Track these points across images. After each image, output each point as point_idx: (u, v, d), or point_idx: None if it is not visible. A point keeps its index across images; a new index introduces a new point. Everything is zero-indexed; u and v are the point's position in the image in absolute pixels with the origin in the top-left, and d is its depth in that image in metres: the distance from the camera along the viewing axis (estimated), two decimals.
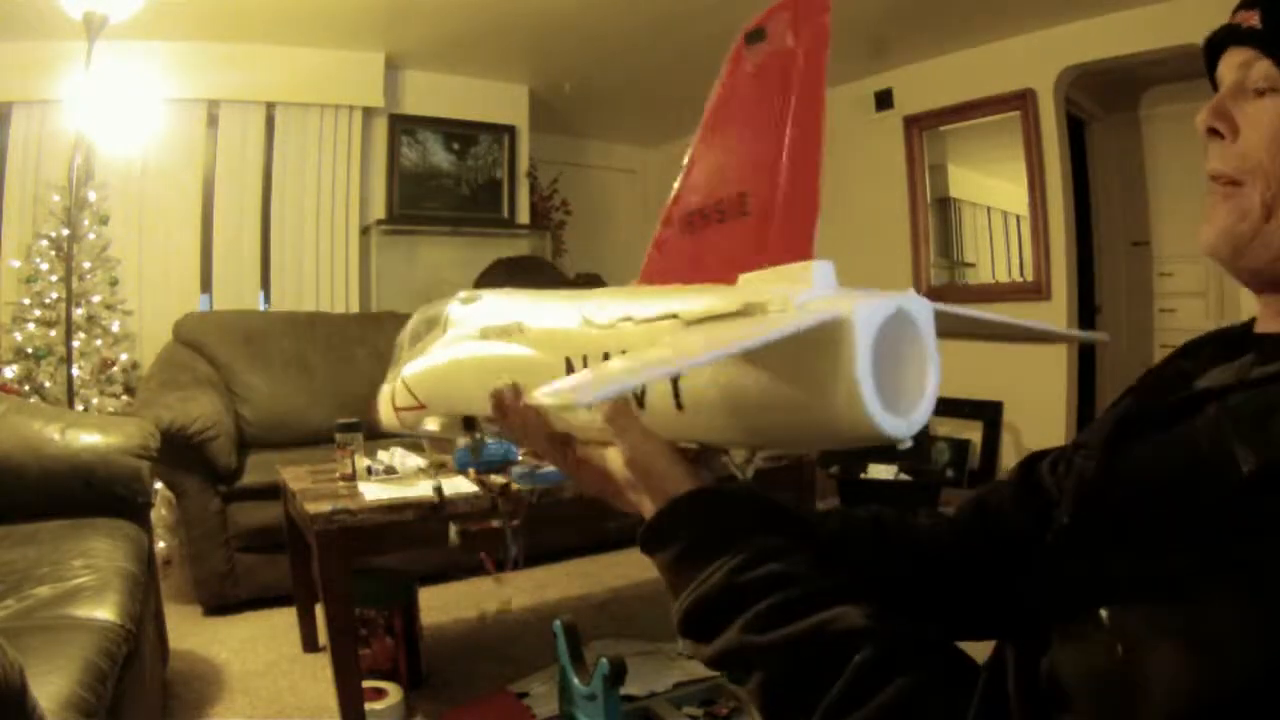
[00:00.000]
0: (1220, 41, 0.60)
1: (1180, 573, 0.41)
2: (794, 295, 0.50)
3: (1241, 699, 0.38)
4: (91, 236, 3.35)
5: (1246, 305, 0.64)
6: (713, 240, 0.59)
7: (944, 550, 0.70)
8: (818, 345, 0.48)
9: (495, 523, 1.86)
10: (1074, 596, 0.47)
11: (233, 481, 2.67)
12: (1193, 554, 0.42)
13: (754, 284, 0.54)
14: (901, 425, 0.50)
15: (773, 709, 0.52)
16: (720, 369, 0.53)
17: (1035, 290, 3.86)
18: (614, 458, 0.62)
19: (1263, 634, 0.39)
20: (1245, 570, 0.40)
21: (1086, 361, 4.11)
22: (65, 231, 3.22)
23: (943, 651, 0.52)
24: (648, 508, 0.60)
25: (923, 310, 0.52)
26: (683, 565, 0.57)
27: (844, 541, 0.70)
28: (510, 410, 0.62)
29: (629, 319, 0.58)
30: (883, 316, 0.49)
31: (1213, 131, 0.59)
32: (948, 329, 0.57)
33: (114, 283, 3.41)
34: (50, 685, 1.09)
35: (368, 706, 1.83)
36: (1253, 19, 0.58)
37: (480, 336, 0.68)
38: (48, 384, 3.15)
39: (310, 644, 2.33)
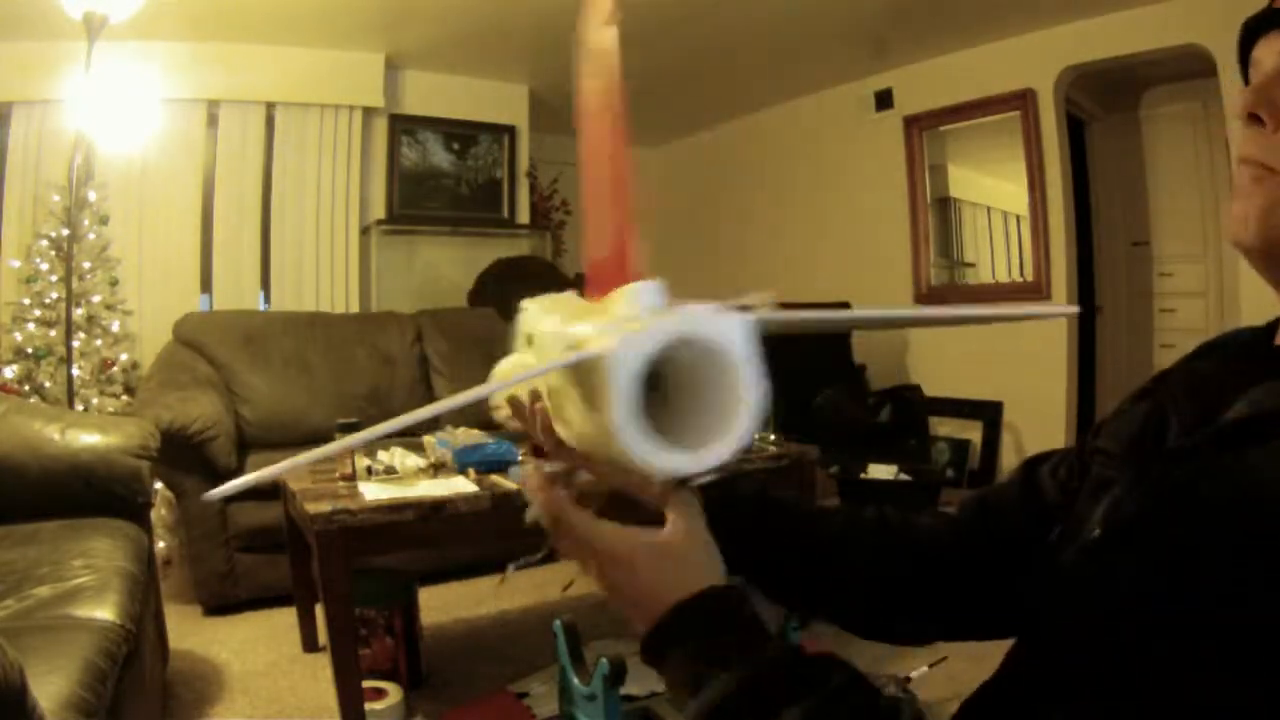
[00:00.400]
0: (1261, 24, 0.56)
1: (1255, 617, 0.39)
2: (590, 326, 0.47)
3: None
4: (91, 236, 3.35)
5: (1247, 305, 0.63)
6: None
7: (945, 550, 0.69)
8: (594, 381, 0.44)
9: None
10: (1111, 616, 0.45)
11: None
12: (1250, 593, 0.39)
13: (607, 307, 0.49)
14: (686, 461, 0.45)
15: None
16: (569, 398, 0.50)
17: (1035, 290, 3.86)
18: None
19: None
20: None
21: (1087, 362, 4.12)
22: (65, 231, 3.22)
23: None
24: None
25: (732, 333, 0.45)
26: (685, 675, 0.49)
27: (846, 542, 0.69)
28: (526, 414, 0.59)
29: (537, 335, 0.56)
30: (651, 349, 0.43)
31: (1254, 117, 0.54)
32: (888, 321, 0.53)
33: (114, 283, 3.41)
34: (50, 685, 1.09)
35: (368, 706, 1.83)
36: None
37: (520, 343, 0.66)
38: (48, 384, 3.15)
39: (310, 644, 2.33)
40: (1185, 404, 0.56)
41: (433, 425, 3.34)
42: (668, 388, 0.47)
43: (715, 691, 0.45)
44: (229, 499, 2.65)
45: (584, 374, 0.45)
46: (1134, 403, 0.62)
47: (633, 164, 0.47)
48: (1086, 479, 0.61)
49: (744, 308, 0.47)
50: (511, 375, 0.49)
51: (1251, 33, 0.57)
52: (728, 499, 0.66)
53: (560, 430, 0.54)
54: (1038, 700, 0.48)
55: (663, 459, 0.44)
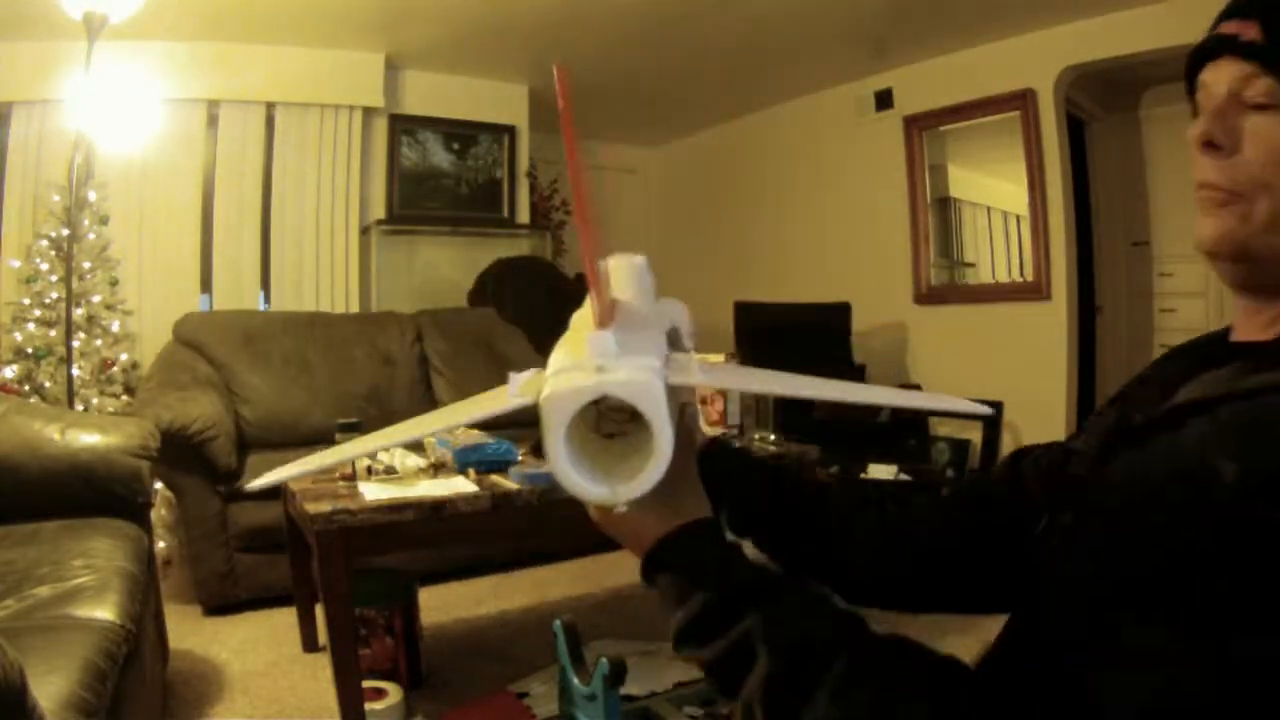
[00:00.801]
0: (1208, 51, 0.60)
1: (1164, 577, 0.44)
2: (555, 364, 0.54)
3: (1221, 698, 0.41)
4: (91, 236, 3.35)
5: None
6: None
7: (939, 537, 0.76)
8: (543, 422, 0.51)
9: None
10: (1076, 585, 0.51)
11: (233, 481, 2.67)
12: (1180, 559, 0.44)
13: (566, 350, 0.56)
14: (604, 494, 0.52)
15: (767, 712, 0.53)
16: None
17: (1035, 290, 3.86)
18: None
19: (1253, 633, 0.41)
20: (1227, 577, 0.43)
21: (1086, 362, 4.12)
22: (65, 231, 3.22)
23: (918, 658, 0.54)
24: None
25: (648, 393, 0.50)
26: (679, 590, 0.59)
27: (848, 526, 0.77)
28: None
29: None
30: (576, 405, 0.50)
31: (1208, 144, 0.59)
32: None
33: (114, 283, 3.41)
34: (50, 685, 1.09)
35: (368, 706, 1.83)
36: (1251, 31, 0.57)
37: None
38: (48, 384, 3.15)
39: (310, 644, 2.33)
40: (1147, 401, 0.61)
41: None
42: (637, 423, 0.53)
43: (695, 605, 0.56)
44: (229, 499, 2.65)
45: (544, 438, 0.52)
46: (1110, 404, 0.68)
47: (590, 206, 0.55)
48: (1056, 472, 0.67)
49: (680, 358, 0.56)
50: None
51: (1198, 59, 0.60)
52: (743, 467, 0.77)
53: None
54: (1031, 669, 0.53)
55: (585, 489, 0.52)
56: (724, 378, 0.65)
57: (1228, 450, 0.46)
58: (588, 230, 0.53)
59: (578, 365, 0.51)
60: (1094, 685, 0.45)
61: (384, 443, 0.61)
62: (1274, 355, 0.54)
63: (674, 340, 0.63)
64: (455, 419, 0.67)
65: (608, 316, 0.53)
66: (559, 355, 0.55)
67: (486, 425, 2.78)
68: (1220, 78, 0.59)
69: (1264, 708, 0.41)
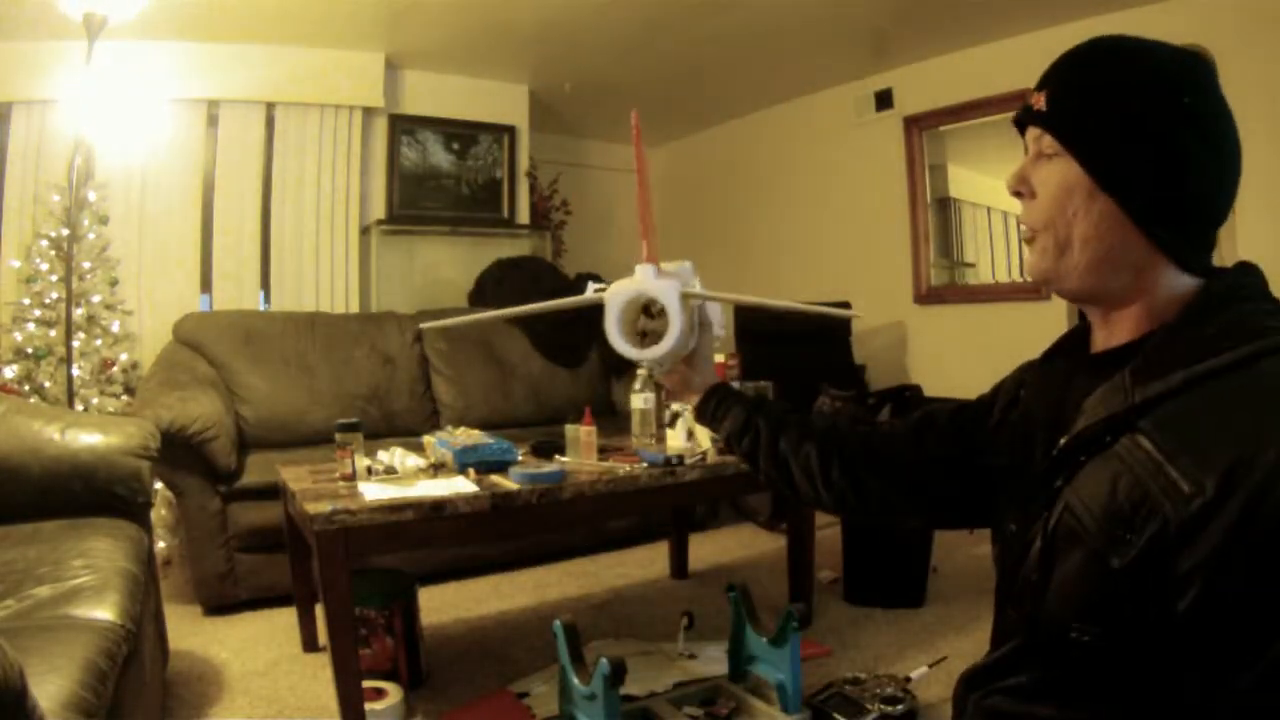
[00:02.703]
0: (1023, 119, 0.79)
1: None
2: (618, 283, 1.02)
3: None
4: (91, 236, 3.35)
5: None
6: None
7: (902, 465, 0.99)
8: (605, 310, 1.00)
9: None
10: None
11: (233, 481, 2.67)
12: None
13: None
14: (637, 354, 0.99)
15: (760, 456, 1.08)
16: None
17: (1035, 290, 3.86)
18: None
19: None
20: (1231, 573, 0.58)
21: None
22: (65, 231, 3.23)
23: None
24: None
25: (669, 292, 0.97)
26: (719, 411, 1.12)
27: (825, 450, 1.03)
28: None
29: None
30: (624, 299, 0.98)
31: (1018, 193, 0.78)
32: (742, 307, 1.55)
33: (114, 283, 3.41)
34: (50, 685, 1.09)
35: (368, 706, 1.83)
36: (1040, 101, 0.76)
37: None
38: (48, 384, 3.15)
39: (310, 644, 2.33)
40: (1044, 413, 0.80)
41: (433, 425, 3.34)
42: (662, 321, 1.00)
43: (733, 421, 1.10)
44: (228, 499, 2.65)
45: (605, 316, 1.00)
46: (1006, 408, 0.91)
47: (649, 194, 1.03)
48: (1007, 438, 0.87)
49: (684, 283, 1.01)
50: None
51: (1020, 125, 0.80)
52: (738, 395, 1.13)
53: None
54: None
55: (627, 350, 1.00)
56: (708, 293, 1.05)
57: (1180, 468, 0.62)
58: (645, 194, 1.02)
59: (632, 280, 0.98)
60: None
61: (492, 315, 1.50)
62: (1148, 360, 0.69)
63: (685, 281, 1.04)
64: (540, 307, 1.14)
65: (653, 257, 0.98)
66: (621, 280, 1.00)
67: (487, 425, 2.78)
68: (1029, 139, 0.78)
69: None
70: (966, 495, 0.93)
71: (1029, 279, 0.90)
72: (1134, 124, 0.70)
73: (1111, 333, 0.76)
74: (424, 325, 1.09)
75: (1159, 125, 0.70)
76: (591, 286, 0.98)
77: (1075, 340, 0.85)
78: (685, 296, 0.96)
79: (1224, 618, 0.59)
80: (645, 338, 1.02)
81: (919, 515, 1.04)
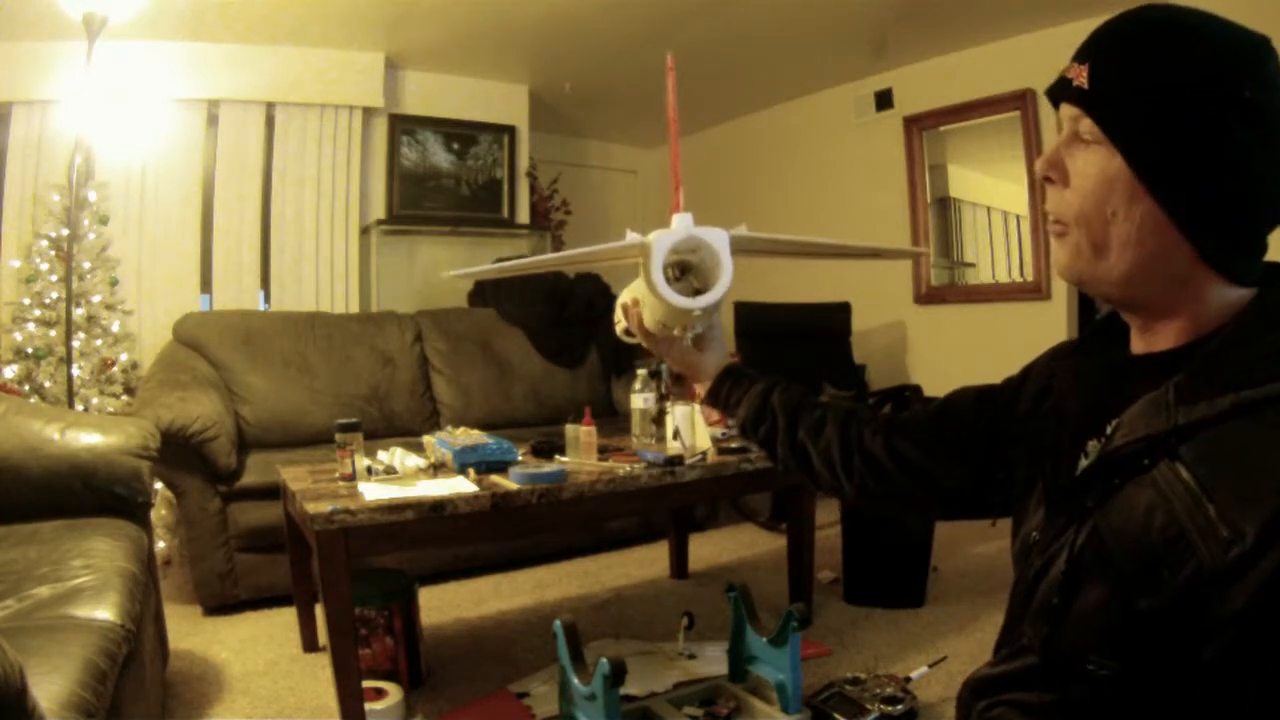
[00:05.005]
0: (1056, 94, 0.70)
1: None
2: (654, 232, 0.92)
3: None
4: (91, 236, 3.35)
5: None
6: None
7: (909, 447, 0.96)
8: (647, 262, 0.90)
9: None
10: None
11: (233, 481, 2.67)
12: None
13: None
14: (689, 301, 0.91)
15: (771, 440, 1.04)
16: (645, 303, 1.02)
17: (1035, 290, 3.86)
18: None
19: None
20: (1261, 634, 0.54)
21: None
22: (65, 231, 3.22)
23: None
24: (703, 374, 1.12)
25: (717, 236, 0.91)
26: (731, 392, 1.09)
27: (839, 443, 1.00)
28: (630, 313, 1.08)
29: None
30: (671, 241, 0.89)
31: (1048, 178, 0.69)
32: (777, 248, 1.08)
33: (114, 283, 3.41)
34: (50, 685, 1.09)
35: (368, 706, 1.83)
36: (1081, 76, 0.66)
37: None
38: (48, 384, 3.15)
39: (310, 644, 2.33)
40: (1076, 413, 0.73)
41: (433, 425, 3.34)
42: (692, 276, 0.94)
43: (747, 408, 1.06)
44: (228, 499, 2.65)
45: (644, 264, 0.90)
46: (1038, 397, 0.83)
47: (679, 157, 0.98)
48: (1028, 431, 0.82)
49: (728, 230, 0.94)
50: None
51: (1054, 99, 0.70)
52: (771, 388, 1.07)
53: (646, 318, 1.04)
54: None
55: (673, 298, 0.90)
56: (759, 234, 0.99)
57: (1220, 508, 0.57)
58: (676, 143, 0.96)
59: (670, 229, 0.90)
60: None
61: (517, 266, 1.20)
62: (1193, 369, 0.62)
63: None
64: (579, 255, 1.02)
65: (679, 207, 0.92)
66: (662, 229, 0.92)
67: (487, 425, 2.78)
68: (1064, 115, 0.69)
69: None
70: (986, 484, 0.88)
71: (1060, 275, 0.74)
72: (1187, 117, 0.61)
73: (1153, 339, 0.70)
74: (453, 272, 0.92)
75: (1216, 120, 0.61)
76: (630, 234, 0.91)
77: (1113, 330, 0.76)
78: (735, 239, 0.92)
79: (1253, 669, 0.55)
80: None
81: (940, 504, 0.97)
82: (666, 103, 0.94)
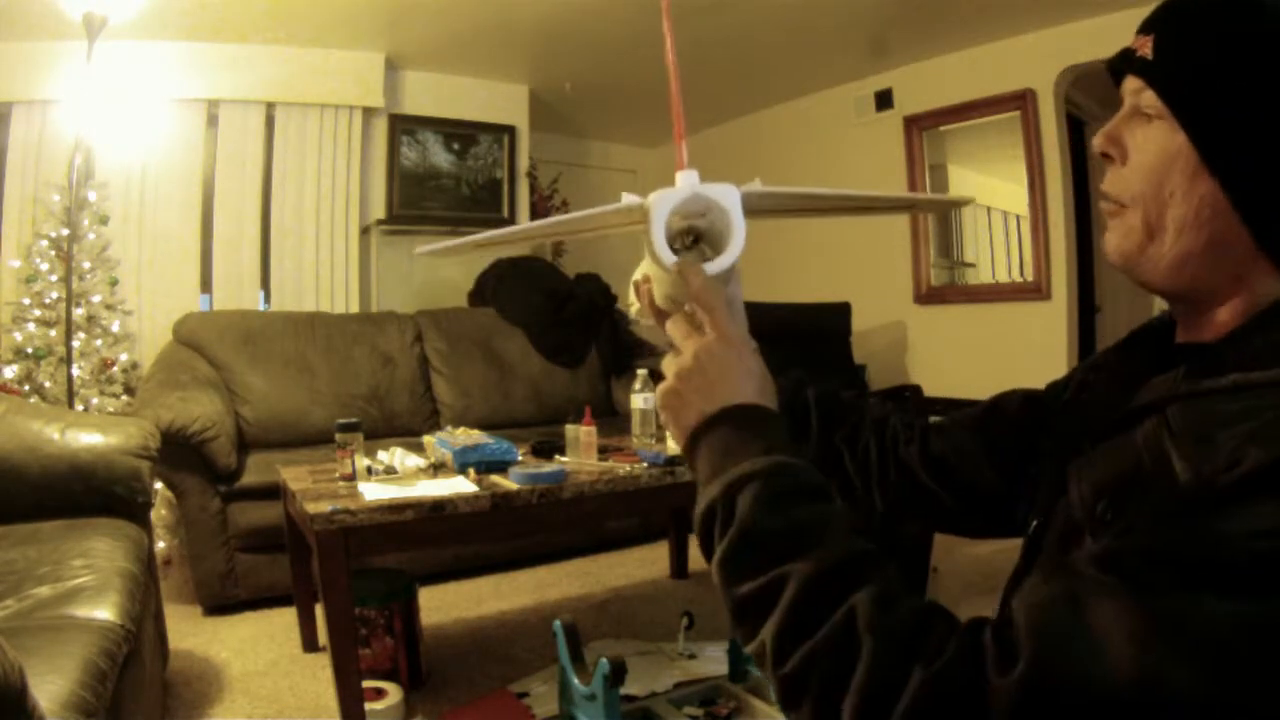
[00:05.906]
0: (1119, 65, 0.66)
1: (1125, 555, 0.49)
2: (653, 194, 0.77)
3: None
4: (91, 236, 3.35)
5: None
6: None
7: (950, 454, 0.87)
8: (648, 224, 0.75)
9: None
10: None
11: (233, 481, 2.67)
12: (1139, 540, 0.50)
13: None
14: (705, 266, 0.76)
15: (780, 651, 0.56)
16: (655, 278, 0.85)
17: (1035, 290, 3.86)
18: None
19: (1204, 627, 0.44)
20: (1177, 565, 0.46)
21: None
22: (65, 231, 3.22)
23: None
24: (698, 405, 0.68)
25: (728, 194, 0.74)
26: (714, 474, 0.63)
27: (878, 457, 0.88)
28: (640, 290, 0.90)
29: None
30: (674, 201, 0.74)
31: (1106, 155, 0.66)
32: (801, 205, 0.90)
33: (114, 283, 3.41)
34: (50, 685, 1.09)
35: (368, 706, 1.83)
36: (1146, 47, 0.63)
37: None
38: (48, 384, 3.15)
39: (310, 644, 2.33)
40: (1104, 399, 0.70)
41: (433, 425, 3.34)
42: (705, 245, 0.77)
43: (739, 470, 0.61)
44: (228, 499, 2.65)
45: (647, 229, 0.75)
46: (1078, 394, 0.77)
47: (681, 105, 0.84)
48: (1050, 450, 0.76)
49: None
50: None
51: (1116, 72, 0.67)
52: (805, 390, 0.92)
53: (655, 294, 0.88)
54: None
55: (673, 260, 0.73)
56: (777, 189, 0.85)
57: (1181, 453, 0.54)
58: (677, 87, 0.85)
59: (674, 188, 0.75)
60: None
61: (508, 235, 0.93)
62: (1216, 358, 0.59)
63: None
64: (573, 219, 0.92)
65: (683, 164, 0.78)
66: (663, 189, 0.78)
67: (487, 425, 2.78)
68: (1126, 89, 0.65)
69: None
70: (1015, 485, 0.81)
71: (1109, 259, 0.68)
72: (1260, 95, 0.57)
73: (1198, 332, 0.66)
74: (422, 249, 0.76)
75: None
76: (625, 196, 0.81)
77: (1164, 329, 0.72)
78: (747, 197, 0.78)
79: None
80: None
81: (967, 514, 0.88)
82: (665, 38, 0.86)
